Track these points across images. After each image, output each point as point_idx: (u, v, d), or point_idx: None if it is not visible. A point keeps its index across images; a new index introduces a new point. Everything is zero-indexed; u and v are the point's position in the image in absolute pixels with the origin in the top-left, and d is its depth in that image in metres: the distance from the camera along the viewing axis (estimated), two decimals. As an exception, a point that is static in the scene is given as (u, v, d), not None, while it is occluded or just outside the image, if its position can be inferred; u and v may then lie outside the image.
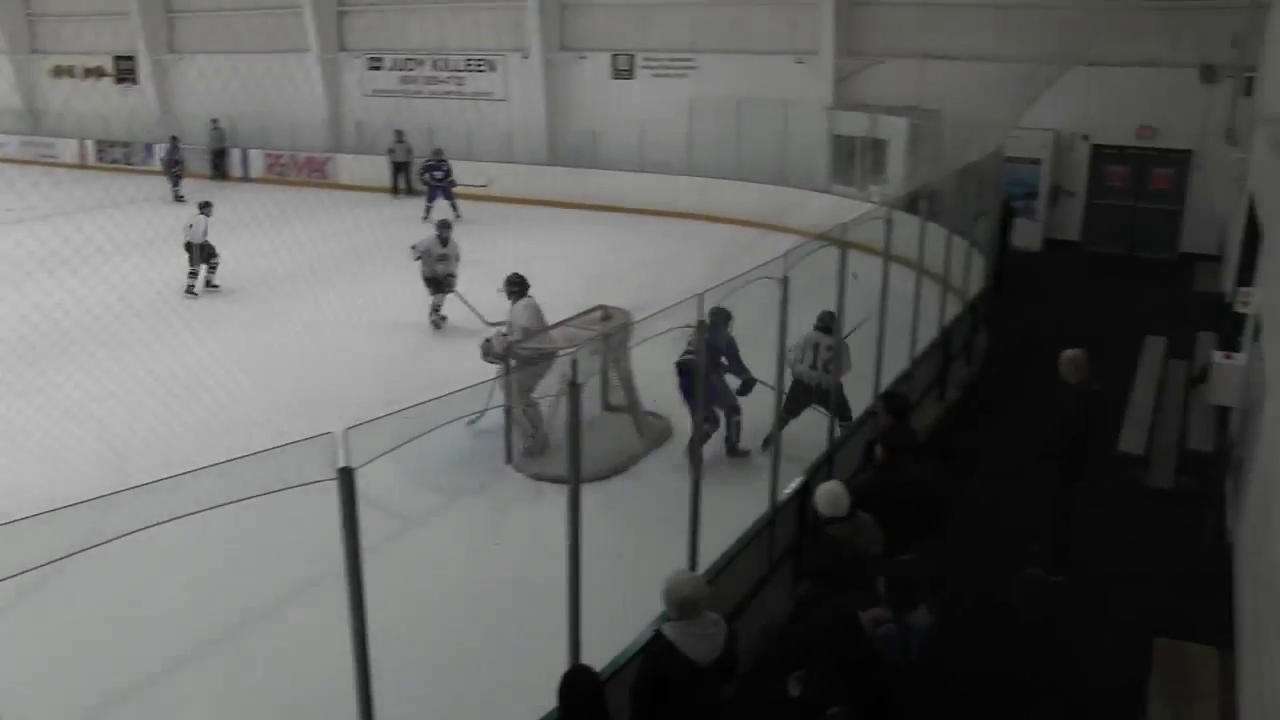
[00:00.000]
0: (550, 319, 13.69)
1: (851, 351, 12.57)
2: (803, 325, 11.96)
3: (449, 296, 18.29)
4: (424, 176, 30.60)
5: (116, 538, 4.01)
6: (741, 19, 30.15)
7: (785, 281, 9.18)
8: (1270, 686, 6.39)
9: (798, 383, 12.68)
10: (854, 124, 27.98)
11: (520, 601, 9.44)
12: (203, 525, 4.50)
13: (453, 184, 30.16)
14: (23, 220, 19.65)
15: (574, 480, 6.50)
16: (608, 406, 14.09)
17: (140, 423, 12.18)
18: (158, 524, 4.10)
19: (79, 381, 13.53)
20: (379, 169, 34.10)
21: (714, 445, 12.75)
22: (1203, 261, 24.11)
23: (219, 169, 38.01)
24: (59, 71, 44.66)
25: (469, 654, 8.94)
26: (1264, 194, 13.72)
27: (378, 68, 37.32)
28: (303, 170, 37.19)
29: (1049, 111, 24.08)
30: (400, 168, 34.06)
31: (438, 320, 18.70)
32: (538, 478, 12.45)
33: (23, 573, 3.67)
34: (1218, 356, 13.50)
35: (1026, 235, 24.88)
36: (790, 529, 9.84)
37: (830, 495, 8.21)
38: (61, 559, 3.85)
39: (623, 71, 32.95)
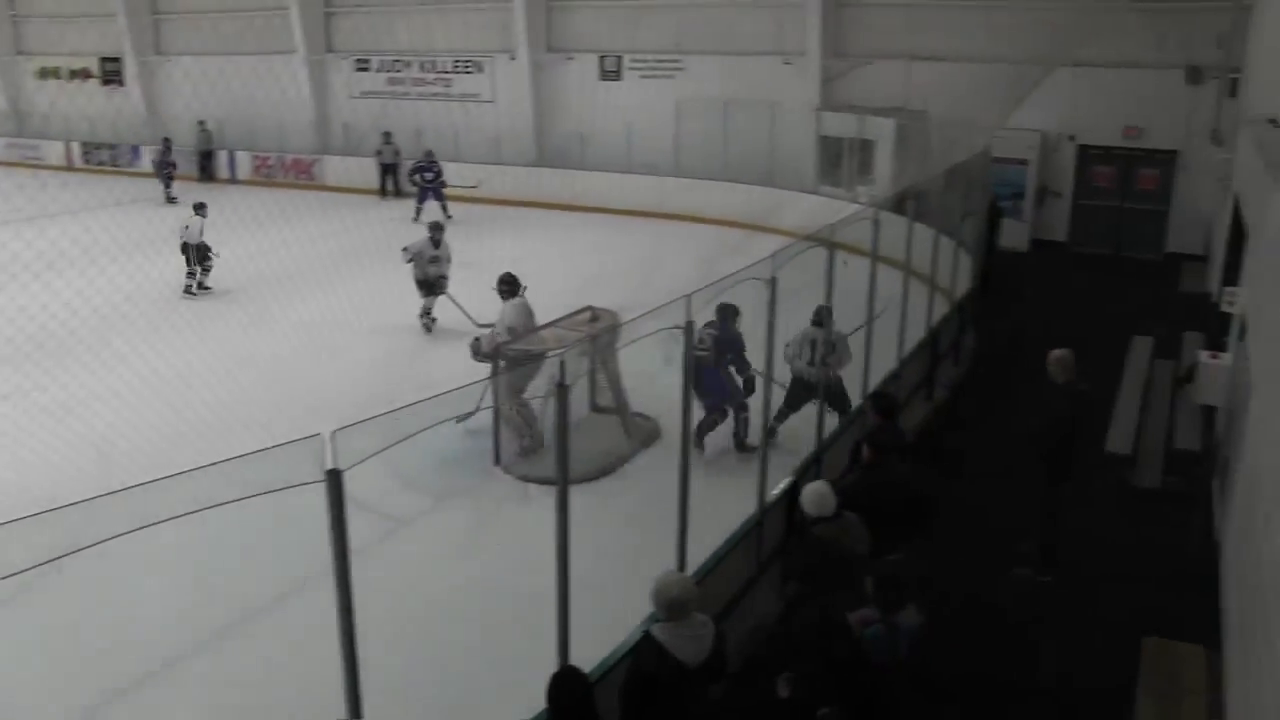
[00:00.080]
0: (539, 320, 13.71)
1: (850, 346, 12.81)
2: (790, 325, 11.98)
3: (439, 298, 18.30)
4: (414, 178, 30.78)
5: (105, 540, 4.00)
6: (728, 20, 30.16)
7: (773, 282, 9.19)
8: (1256, 685, 6.40)
9: (798, 379, 12.78)
10: (841, 125, 28.02)
11: (509, 603, 9.43)
12: (191, 527, 4.49)
13: (443, 185, 30.37)
14: (8, 222, 19.58)
15: (562, 481, 6.50)
16: (596, 408, 14.10)
17: (128, 425, 12.16)
18: (146, 526, 4.10)
19: (65, 384, 13.50)
20: (366, 171, 34.04)
21: (722, 439, 12.83)
22: (1189, 261, 24.19)
23: (206, 171, 37.91)
24: (45, 73, 44.51)
25: (458, 655, 8.93)
26: (1249, 194, 13.76)
27: (365, 69, 37.27)
28: (290, 172, 37.10)
29: (1035, 112, 24.16)
30: (388, 169, 34.08)
31: (428, 323, 18.65)
32: (526, 479, 12.46)
33: (13, 574, 3.66)
34: (1204, 356, 13.55)
35: (1013, 236, 24.94)
36: (779, 530, 9.86)
37: (816, 495, 8.22)
38: (51, 561, 3.84)
39: (610, 73, 32.94)
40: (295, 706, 8.25)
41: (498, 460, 12.93)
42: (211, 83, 35.59)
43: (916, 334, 14.74)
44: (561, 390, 6.41)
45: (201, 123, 37.74)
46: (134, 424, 11.95)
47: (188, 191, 33.50)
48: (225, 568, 10.06)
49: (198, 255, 21.59)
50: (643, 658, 6.25)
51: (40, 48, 44.15)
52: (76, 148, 42.14)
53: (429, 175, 30.42)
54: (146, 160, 39.61)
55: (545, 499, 7.05)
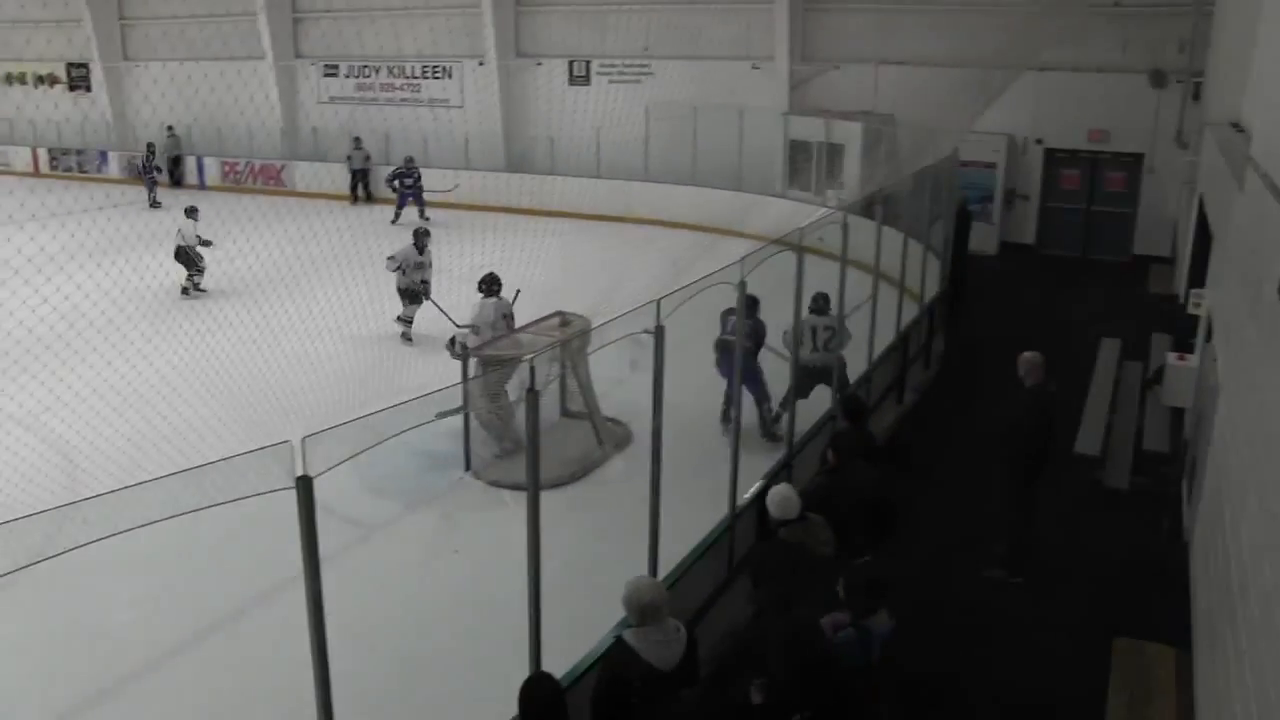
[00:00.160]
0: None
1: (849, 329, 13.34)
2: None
3: (419, 307, 18.21)
4: (394, 183, 31.01)
5: (74, 548, 3.98)
6: (696, 25, 30.17)
7: (742, 286, 9.20)
8: (1226, 684, 6.44)
9: (804, 366, 12.88)
10: (809, 129, 28.08)
11: (480, 608, 9.41)
12: (160, 535, 4.46)
13: (421, 190, 30.79)
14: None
15: (533, 487, 6.49)
16: (566, 412, 14.09)
17: (96, 432, 12.07)
18: (115, 534, 4.07)
19: (32, 390, 13.40)
20: (335, 176, 33.98)
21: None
22: (1156, 264, 24.35)
23: (174, 176, 37.75)
24: (10, 79, 44.11)
25: (430, 662, 8.91)
26: (1213, 197, 13.86)
27: (333, 75, 37.17)
28: (258, 178, 36.97)
29: (1002, 115, 24.25)
30: (358, 175, 34.05)
31: (408, 333, 18.44)
32: (497, 485, 12.44)
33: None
34: (1171, 358, 13.63)
35: (983, 239, 25.03)
36: (750, 534, 9.86)
37: (780, 498, 8.25)
38: (14, 571, 3.81)
39: (579, 78, 32.96)
40: (266, 714, 8.21)
41: (468, 466, 12.90)
42: (179, 88, 35.45)
43: (886, 337, 14.77)
44: (532, 395, 6.40)
45: (170, 128, 37.56)
46: (102, 431, 11.86)
47: (159, 197, 33.54)
48: (195, 575, 10.02)
49: (191, 258, 21.86)
50: (615, 663, 6.24)
51: (6, 53, 43.69)
52: (43, 154, 41.83)
53: (408, 181, 30.76)
54: (114, 166, 39.61)
55: (516, 505, 7.04)
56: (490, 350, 13.21)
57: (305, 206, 30.14)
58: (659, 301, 7.70)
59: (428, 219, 29.00)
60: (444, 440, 12.79)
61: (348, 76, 36.89)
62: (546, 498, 6.61)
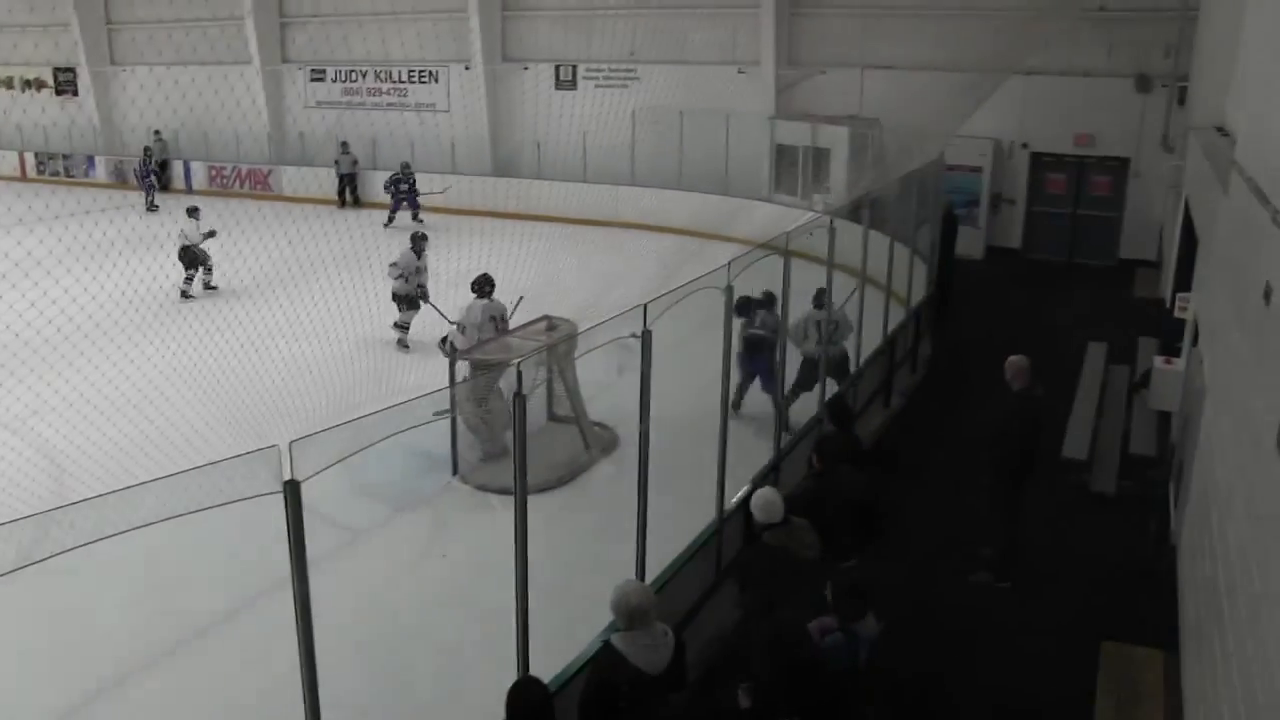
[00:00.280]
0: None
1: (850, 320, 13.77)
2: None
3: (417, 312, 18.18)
4: (391, 189, 31.04)
5: (60, 553, 3.97)
6: (683, 30, 30.19)
7: (730, 290, 9.21)
8: (1213, 687, 6.46)
9: (807, 359, 13.28)
10: (795, 133, 28.08)
11: (468, 613, 9.41)
12: (147, 540, 4.45)
13: (416, 194, 30.96)
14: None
15: (520, 491, 6.49)
16: (554, 417, 14.08)
17: (83, 436, 12.04)
18: (102, 539, 4.06)
19: (19, 395, 13.36)
20: (323, 181, 33.90)
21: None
22: (1142, 267, 24.39)
23: (161, 181, 37.65)
24: (-3, 83, 44.11)
25: (417, 666, 8.89)
26: (1198, 201, 13.90)
27: (320, 79, 37.10)
28: (246, 182, 36.88)
29: (988, 120, 24.24)
30: (346, 179, 34.03)
31: (406, 340, 18.26)
32: (484, 489, 12.42)
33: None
34: (1158, 362, 13.66)
35: (969, 243, 25.02)
36: (738, 538, 9.86)
37: (764, 502, 8.27)
38: (1, 576, 3.80)
39: (565, 82, 32.94)
40: (254, 718, 8.19)
41: (456, 470, 12.88)
42: (166, 93, 35.38)
43: (873, 341, 14.79)
44: (519, 400, 6.39)
45: (156, 133, 37.45)
46: (89, 435, 11.83)
47: (142, 202, 33.49)
48: (182, 580, 9.99)
49: (196, 258, 22.06)
50: (603, 667, 6.24)
51: (-8, 58, 43.76)
52: (30, 158, 41.71)
53: (404, 186, 30.91)
54: (101, 170, 39.47)
55: (504, 509, 7.04)
56: (478, 354, 13.20)
57: (293, 211, 30.10)
58: (646, 306, 7.70)
59: (421, 221, 29.26)
60: (432, 444, 12.76)
61: (334, 81, 36.83)
62: (534, 502, 6.61)
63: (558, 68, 32.95)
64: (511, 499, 6.58)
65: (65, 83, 42.29)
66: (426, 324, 17.47)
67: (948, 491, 12.20)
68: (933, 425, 14.72)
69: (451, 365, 12.95)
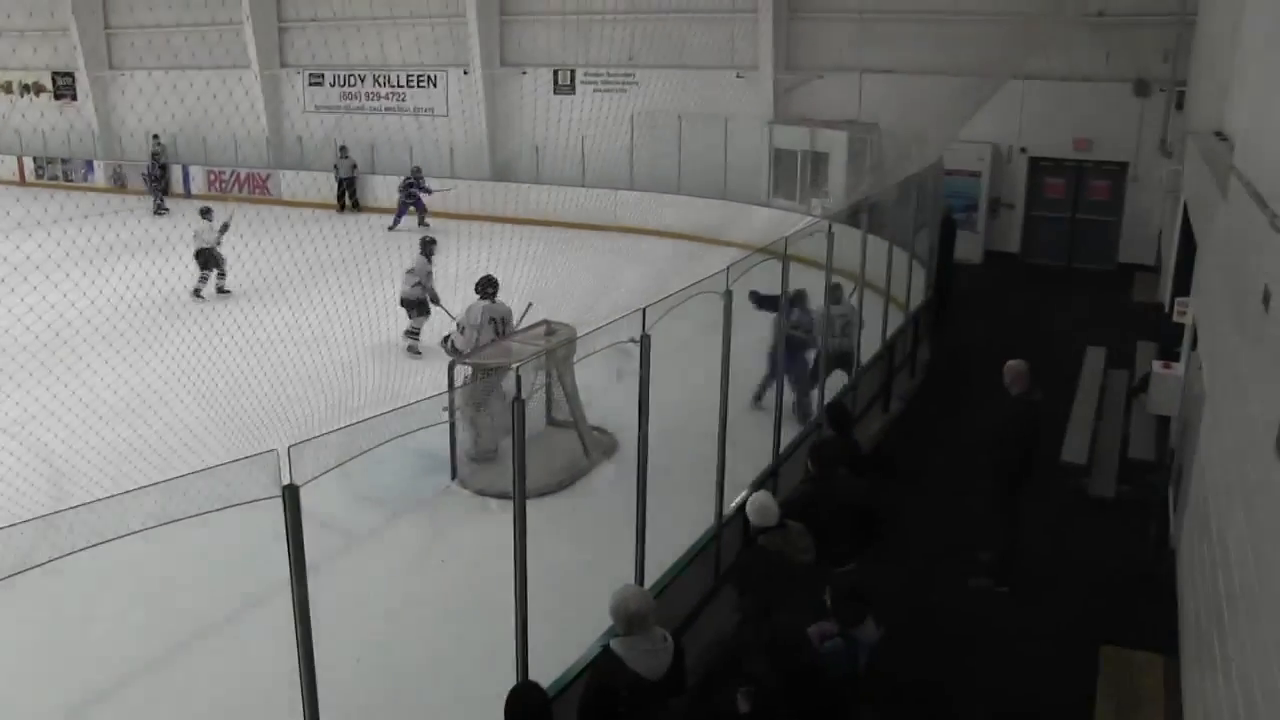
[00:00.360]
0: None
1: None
2: (747, 337, 12.06)
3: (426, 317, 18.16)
4: (403, 191, 31.23)
5: (60, 557, 3.96)
6: (681, 34, 30.12)
7: (728, 295, 9.21)
8: (1213, 691, 6.45)
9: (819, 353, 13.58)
10: (794, 138, 28.12)
11: (467, 617, 9.40)
12: (146, 544, 4.45)
13: (429, 192, 31.19)
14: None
15: (519, 495, 6.48)
16: (552, 421, 14.07)
17: (82, 440, 12.02)
18: (101, 543, 4.06)
19: (18, 399, 13.35)
20: (321, 185, 33.89)
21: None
22: (1141, 272, 24.38)
23: (161, 186, 37.66)
24: (-5, 88, 44.14)
25: (416, 671, 8.88)
26: (1197, 206, 13.89)
27: (318, 84, 37.13)
28: (244, 187, 36.89)
29: (987, 124, 24.27)
30: (345, 183, 34.07)
31: (415, 346, 18.17)
32: (483, 493, 12.41)
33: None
34: (1157, 366, 13.65)
35: (967, 248, 25.02)
36: (737, 542, 9.86)
37: (759, 505, 8.29)
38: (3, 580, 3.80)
39: (564, 87, 32.96)
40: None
41: (454, 475, 12.87)
42: (165, 97, 35.36)
43: (872, 346, 14.79)
44: (518, 404, 6.39)
45: (155, 137, 37.47)
46: (88, 440, 11.81)
47: (140, 205, 33.50)
48: (181, 584, 9.98)
49: (212, 259, 22.29)
50: (602, 672, 6.23)
51: (-9, 62, 43.78)
52: (29, 162, 41.73)
53: (414, 190, 31.11)
54: (100, 175, 39.55)
55: (502, 513, 7.04)
56: (476, 358, 13.20)
57: (292, 215, 30.08)
58: (644, 310, 7.69)
59: (427, 225, 29.37)
60: (430, 449, 12.75)
61: (333, 85, 36.86)
62: (533, 506, 6.60)
63: (556, 72, 32.99)
64: (509, 503, 6.58)
65: (64, 87, 42.33)
66: (435, 326, 17.47)
67: (947, 496, 12.20)
68: (932, 430, 14.72)
69: (451, 369, 12.93)
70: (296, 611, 4.99)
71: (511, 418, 6.44)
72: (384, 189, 33.56)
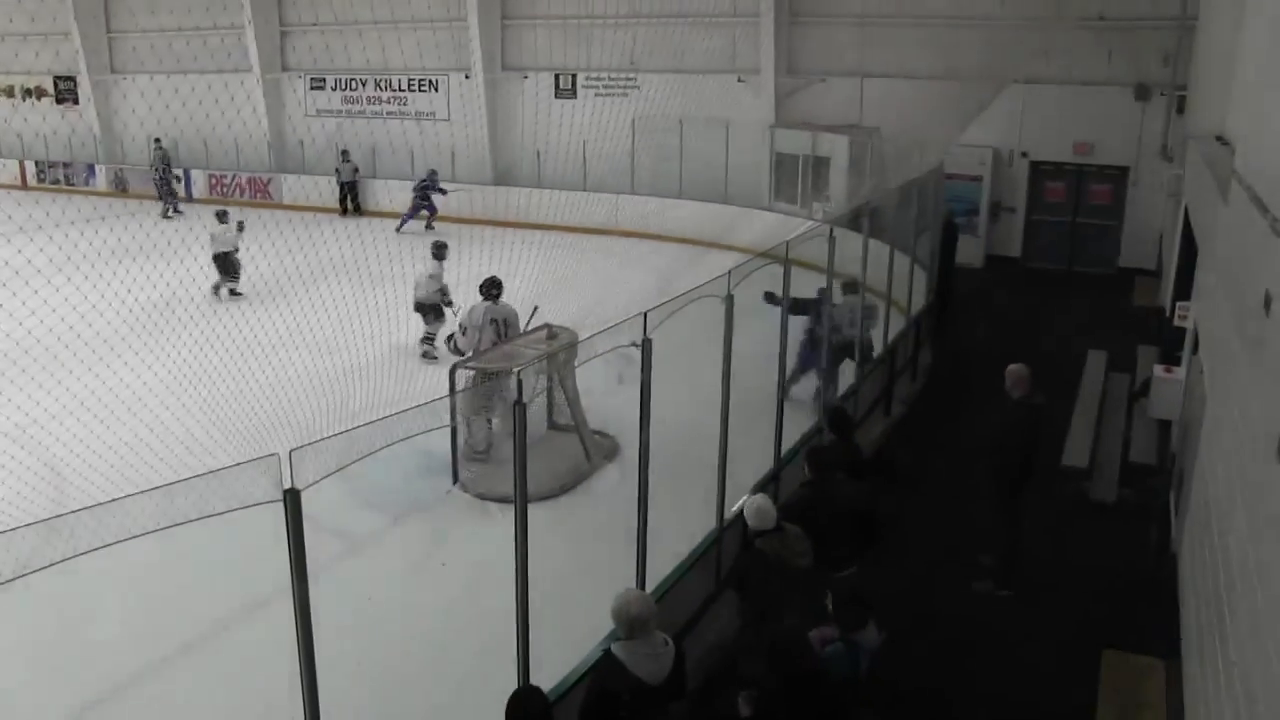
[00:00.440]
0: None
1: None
2: (748, 341, 12.06)
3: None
4: (418, 193, 31.41)
5: (61, 561, 3.97)
6: (682, 38, 30.12)
7: (730, 299, 9.21)
8: (1215, 696, 6.45)
9: (842, 344, 14.31)
10: (795, 142, 28.12)
11: (469, 622, 9.40)
12: (147, 547, 4.45)
13: (443, 194, 31.34)
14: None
15: (520, 499, 6.48)
16: (554, 425, 14.07)
17: (84, 445, 12.03)
18: (102, 547, 4.06)
19: (20, 404, 13.35)
20: (323, 189, 33.89)
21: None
22: (1142, 276, 24.39)
23: (161, 190, 37.66)
24: (-3, 91, 44.15)
25: (417, 675, 8.88)
26: (1198, 210, 13.90)
27: (320, 87, 37.15)
28: (246, 191, 36.92)
29: (988, 128, 24.31)
30: (347, 187, 34.12)
31: (432, 351, 18.06)
32: (484, 497, 12.41)
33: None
34: (1158, 371, 13.66)
35: (969, 252, 25.00)
36: (737, 547, 9.86)
37: (756, 508, 8.30)
38: (2, 584, 3.80)
39: (565, 91, 32.98)
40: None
41: (456, 479, 12.87)
42: (166, 102, 35.36)
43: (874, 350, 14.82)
44: (519, 408, 6.39)
45: (157, 141, 37.48)
46: (90, 444, 11.81)
47: (141, 210, 33.48)
48: (182, 588, 9.98)
49: (230, 263, 22.44)
50: (603, 676, 6.23)
51: (-7, 66, 43.80)
52: (30, 166, 41.76)
53: (430, 192, 31.33)
54: (101, 179, 39.57)
55: (504, 517, 7.04)
56: (477, 362, 13.20)
57: (294, 219, 30.11)
58: (646, 314, 7.70)
59: (433, 229, 29.56)
60: (432, 449, 12.74)
61: (334, 89, 36.89)
62: (534, 510, 6.61)
63: (557, 76, 33.00)
64: (511, 507, 6.58)
65: (66, 91, 42.36)
66: (443, 329, 17.48)
67: (948, 500, 12.19)
68: (933, 434, 14.72)
69: (452, 372, 12.92)
70: (298, 615, 4.99)
71: (513, 422, 6.44)
72: (385, 193, 33.62)
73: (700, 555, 9.32)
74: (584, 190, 30.71)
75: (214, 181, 37.62)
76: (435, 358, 17.78)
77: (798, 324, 13.26)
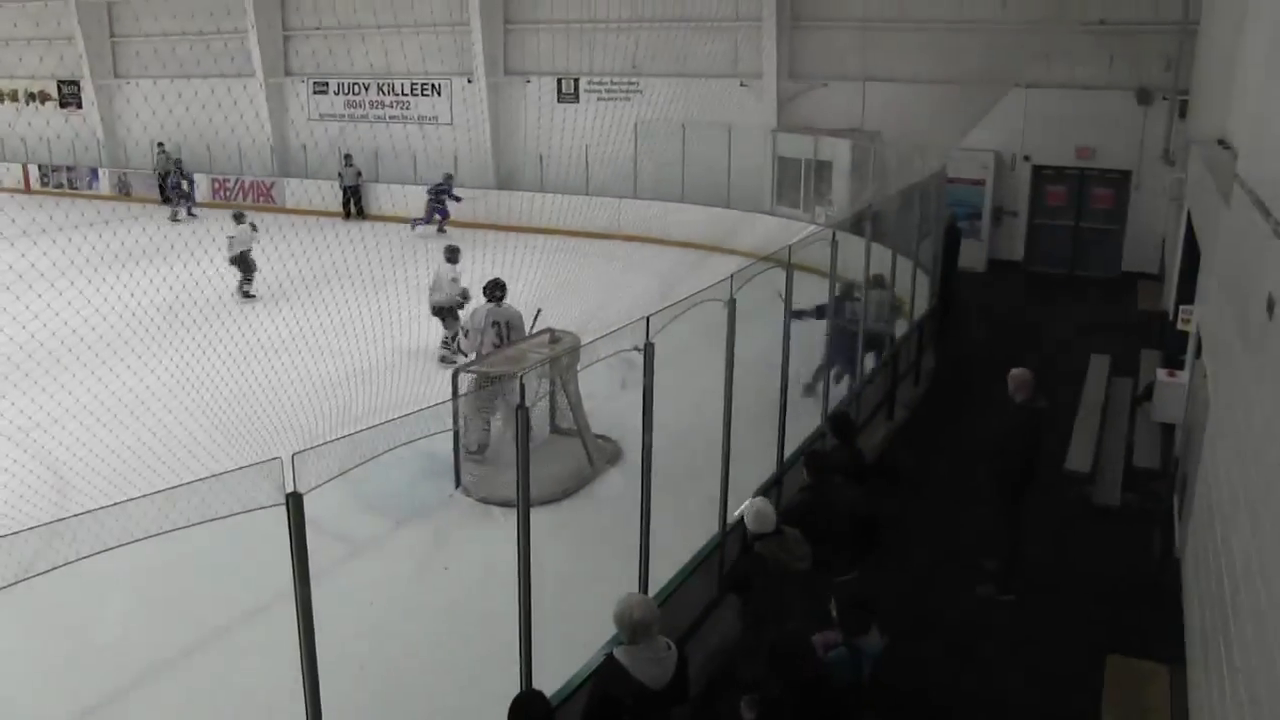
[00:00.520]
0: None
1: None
2: (750, 345, 12.06)
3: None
4: (432, 195, 31.61)
5: (62, 565, 3.96)
6: (685, 43, 30.14)
7: (732, 303, 9.21)
8: (1220, 701, 6.44)
9: (870, 335, 14.58)
10: (797, 146, 28.13)
11: (471, 626, 9.38)
12: (149, 551, 4.45)
13: (457, 200, 31.54)
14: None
15: (523, 503, 6.48)
16: (556, 429, 14.06)
17: (86, 448, 12.03)
18: (103, 551, 4.06)
19: (23, 407, 13.36)
20: (325, 193, 34.01)
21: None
22: (1144, 280, 24.36)
23: (164, 193, 37.73)
24: (1, 95, 44.09)
25: (420, 679, 8.86)
26: (1200, 214, 13.89)
27: (323, 92, 37.19)
28: (249, 195, 36.95)
29: (990, 133, 24.30)
30: (350, 191, 34.16)
31: (449, 355, 17.84)
32: (486, 501, 12.40)
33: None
34: (1161, 374, 13.63)
35: (971, 256, 25.02)
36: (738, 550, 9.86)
37: (755, 512, 8.30)
38: (4, 588, 3.79)
39: (567, 95, 33.01)
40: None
41: (458, 483, 12.86)
42: (169, 106, 35.44)
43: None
44: (521, 411, 6.39)
45: (160, 145, 37.55)
46: (93, 447, 11.81)
47: (145, 213, 33.46)
48: (184, 592, 9.97)
49: (248, 263, 22.68)
50: (605, 680, 6.22)
51: (-3, 70, 43.88)
52: (34, 170, 41.84)
53: (444, 195, 31.49)
54: (105, 183, 39.67)
55: (506, 521, 7.03)
56: (479, 366, 13.20)
57: (297, 223, 30.12)
58: (648, 318, 7.69)
59: (445, 232, 29.93)
60: (434, 451, 12.73)
61: (337, 94, 36.93)
62: (536, 514, 6.61)
63: (560, 80, 33.03)
64: (513, 511, 6.57)
65: (69, 95, 42.45)
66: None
67: (951, 504, 12.19)
68: (936, 438, 14.71)
69: (455, 376, 12.92)
70: (300, 619, 4.99)
71: (515, 426, 6.44)
72: (388, 197, 33.59)
73: (703, 560, 9.31)
74: (586, 194, 30.69)
75: (217, 186, 37.68)
76: (454, 362, 17.67)
77: (818, 325, 13.20)
